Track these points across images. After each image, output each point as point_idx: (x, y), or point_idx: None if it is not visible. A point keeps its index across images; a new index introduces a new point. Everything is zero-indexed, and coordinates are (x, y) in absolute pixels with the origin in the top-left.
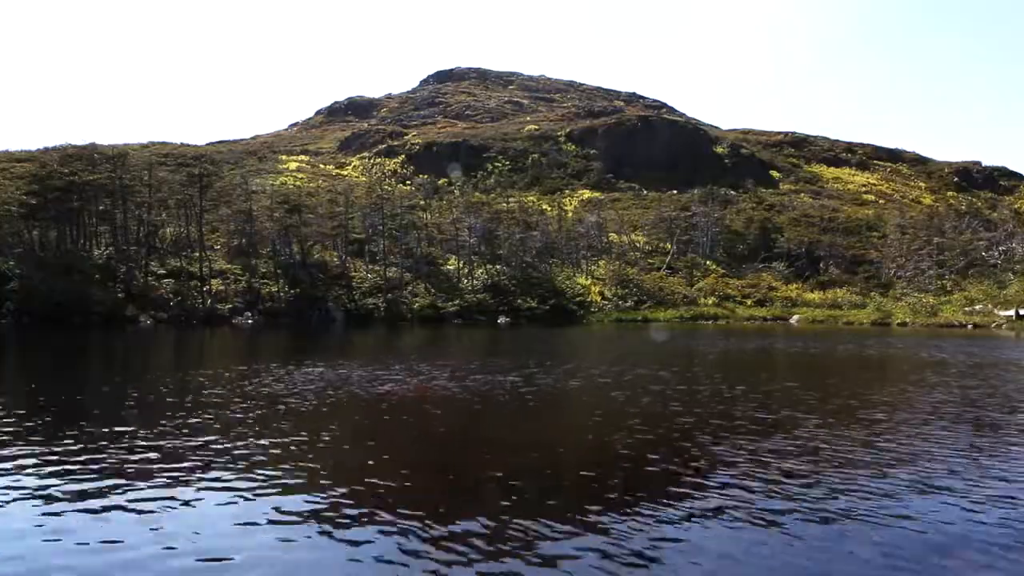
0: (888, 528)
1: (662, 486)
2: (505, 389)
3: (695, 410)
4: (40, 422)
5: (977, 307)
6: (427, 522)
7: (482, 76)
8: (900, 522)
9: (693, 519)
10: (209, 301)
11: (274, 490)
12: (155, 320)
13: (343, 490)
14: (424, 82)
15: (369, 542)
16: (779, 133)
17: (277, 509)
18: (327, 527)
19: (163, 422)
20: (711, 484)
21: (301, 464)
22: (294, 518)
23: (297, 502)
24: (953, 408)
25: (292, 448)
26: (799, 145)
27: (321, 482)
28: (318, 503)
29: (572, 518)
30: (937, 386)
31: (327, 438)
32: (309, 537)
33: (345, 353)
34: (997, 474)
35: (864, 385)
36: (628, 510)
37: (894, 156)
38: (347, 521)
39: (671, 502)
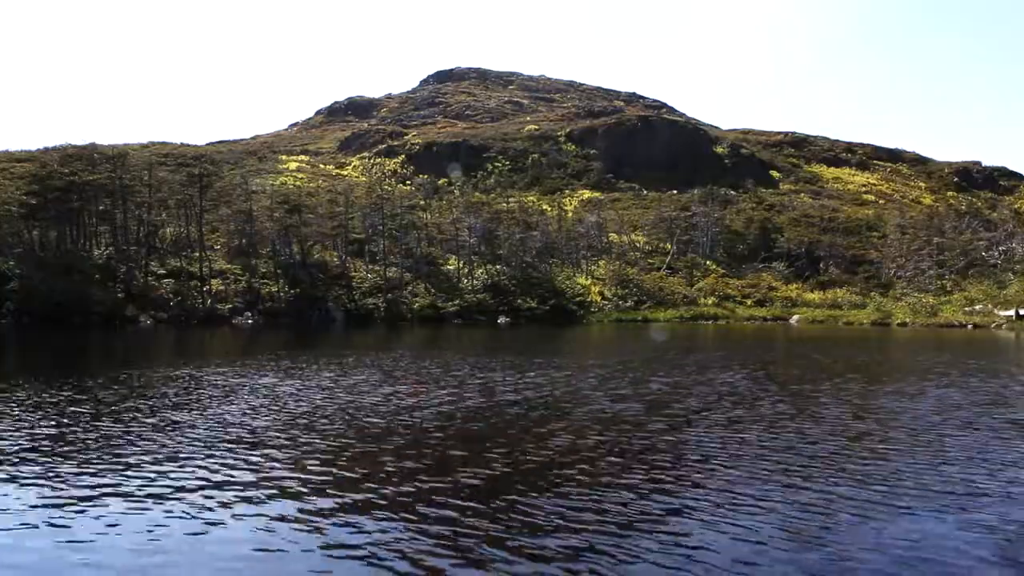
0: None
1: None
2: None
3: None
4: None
5: (977, 307)
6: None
7: (482, 76)
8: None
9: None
10: (209, 301)
11: (258, 494)
12: (155, 320)
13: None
14: (424, 82)
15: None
16: (779, 133)
17: (263, 514)
18: (305, 532)
19: (152, 423)
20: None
21: (277, 469)
22: (269, 522)
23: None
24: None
25: (270, 456)
26: (799, 145)
27: (304, 489)
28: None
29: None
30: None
31: (315, 448)
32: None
33: (344, 354)
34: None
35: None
36: None
37: (894, 156)
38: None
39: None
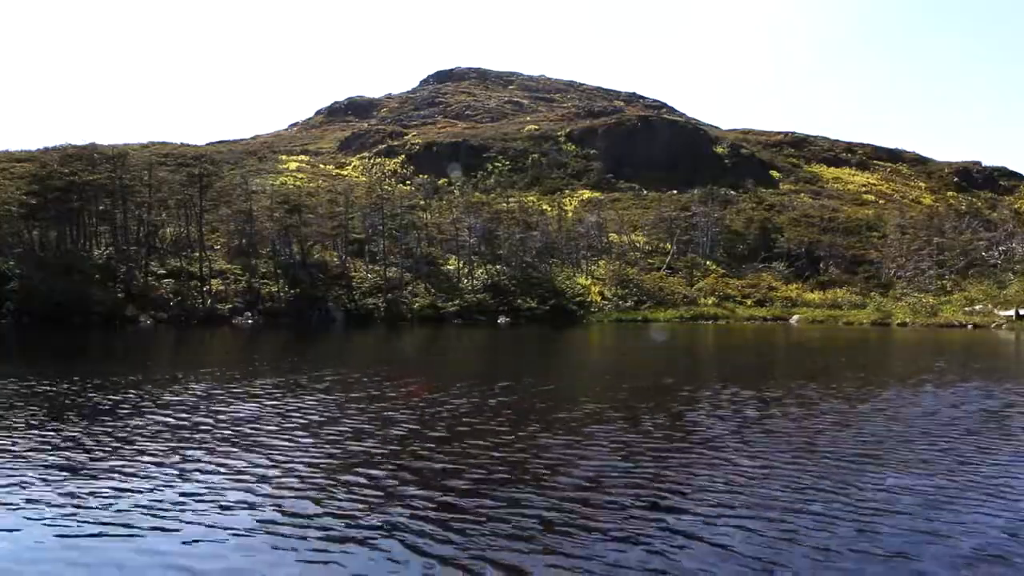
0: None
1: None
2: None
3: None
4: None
5: (977, 307)
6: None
7: (482, 76)
8: None
9: None
10: (209, 301)
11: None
12: (155, 320)
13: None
14: (424, 82)
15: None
16: (779, 133)
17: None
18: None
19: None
20: None
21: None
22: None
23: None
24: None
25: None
26: (799, 145)
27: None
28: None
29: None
30: None
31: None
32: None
33: (343, 361)
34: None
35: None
36: None
37: (894, 156)
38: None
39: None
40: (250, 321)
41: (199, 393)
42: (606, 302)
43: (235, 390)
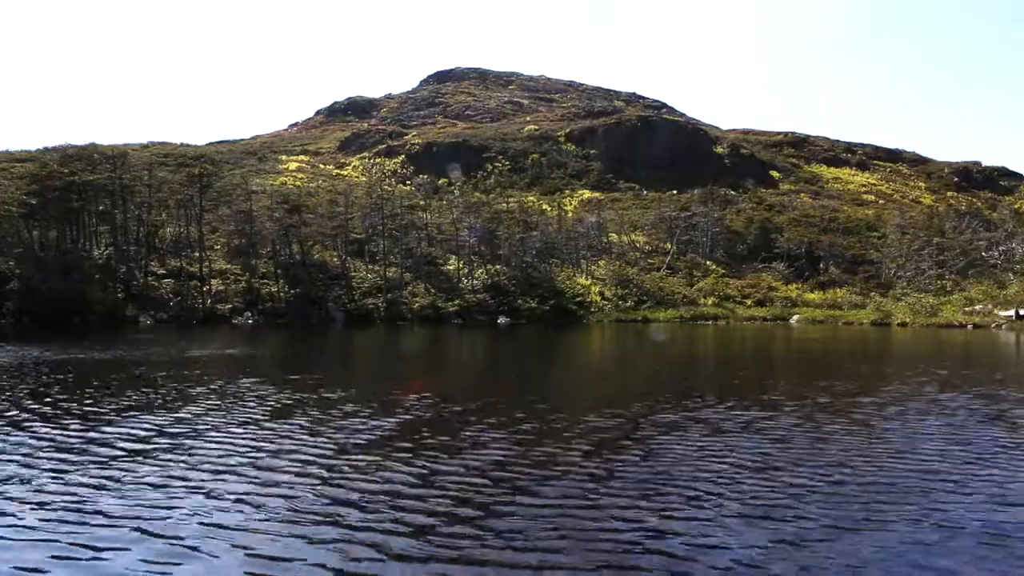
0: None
1: None
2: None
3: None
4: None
5: (977, 307)
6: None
7: (482, 76)
8: None
9: None
10: (209, 301)
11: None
12: (155, 320)
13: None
14: (424, 82)
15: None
16: (779, 133)
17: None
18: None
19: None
20: None
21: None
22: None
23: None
24: None
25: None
26: (799, 145)
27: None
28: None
29: None
30: None
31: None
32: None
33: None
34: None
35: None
36: None
37: (894, 156)
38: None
39: None
40: (250, 321)
41: (194, 394)
42: (606, 302)
43: (222, 393)
